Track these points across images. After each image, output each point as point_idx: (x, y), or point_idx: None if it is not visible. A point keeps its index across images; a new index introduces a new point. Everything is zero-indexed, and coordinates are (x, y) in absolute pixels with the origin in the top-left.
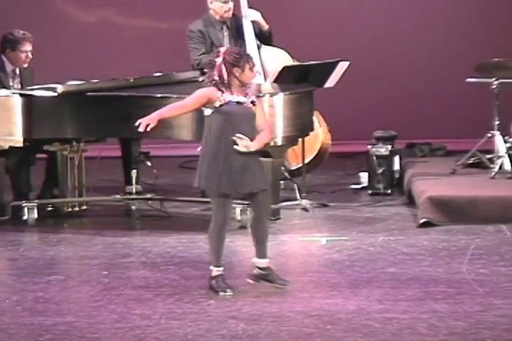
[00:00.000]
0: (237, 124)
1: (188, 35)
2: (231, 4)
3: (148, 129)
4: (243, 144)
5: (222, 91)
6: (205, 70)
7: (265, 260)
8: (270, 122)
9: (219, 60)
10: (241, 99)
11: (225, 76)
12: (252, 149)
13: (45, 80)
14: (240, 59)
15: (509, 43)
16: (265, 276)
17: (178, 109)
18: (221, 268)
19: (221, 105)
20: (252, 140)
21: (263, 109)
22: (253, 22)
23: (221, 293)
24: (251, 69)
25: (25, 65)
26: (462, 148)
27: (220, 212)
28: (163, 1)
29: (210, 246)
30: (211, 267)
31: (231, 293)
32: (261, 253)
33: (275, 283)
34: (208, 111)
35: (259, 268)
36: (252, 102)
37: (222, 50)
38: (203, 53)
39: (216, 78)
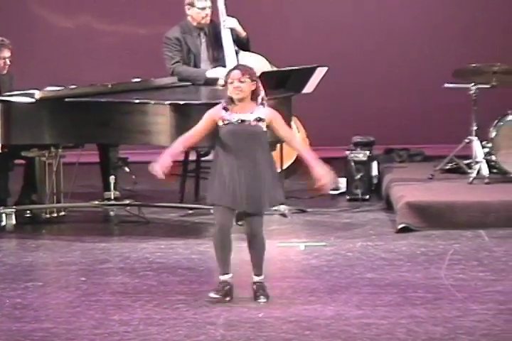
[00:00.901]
0: (238, 143)
1: (165, 42)
2: (208, 10)
3: (165, 173)
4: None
5: (227, 110)
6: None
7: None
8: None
9: None
10: (244, 116)
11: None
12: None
13: (23, 86)
14: (225, 76)
15: (487, 49)
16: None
17: (188, 139)
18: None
19: (224, 125)
20: (261, 157)
21: (283, 123)
22: (231, 29)
23: (211, 294)
24: (229, 83)
25: (4, 72)
26: (440, 153)
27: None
28: (141, 7)
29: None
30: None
31: (216, 296)
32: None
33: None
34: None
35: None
36: (259, 119)
37: None
38: (177, 62)
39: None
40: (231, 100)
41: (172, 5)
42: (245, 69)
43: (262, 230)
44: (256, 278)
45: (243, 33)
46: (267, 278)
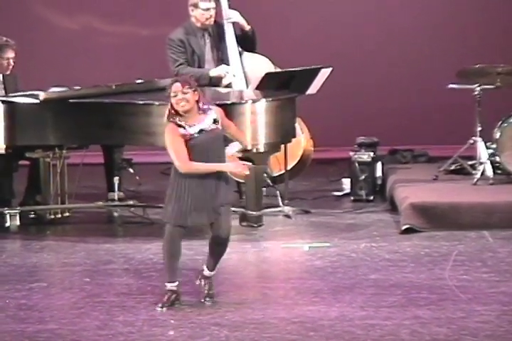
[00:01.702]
0: (207, 154)
1: (168, 43)
2: (212, 12)
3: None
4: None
5: (180, 126)
6: None
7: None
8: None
9: None
10: (201, 126)
11: (173, 110)
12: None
13: (27, 87)
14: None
15: (491, 50)
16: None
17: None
18: (175, 284)
19: (187, 140)
20: (222, 158)
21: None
22: (234, 23)
23: (158, 307)
24: (172, 96)
25: (8, 72)
26: (444, 154)
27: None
28: (145, 8)
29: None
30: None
31: (163, 309)
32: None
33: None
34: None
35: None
36: (214, 121)
37: None
38: (181, 64)
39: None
40: (177, 114)
41: (175, 6)
42: (185, 80)
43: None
44: (209, 273)
45: (247, 27)
46: (265, 276)
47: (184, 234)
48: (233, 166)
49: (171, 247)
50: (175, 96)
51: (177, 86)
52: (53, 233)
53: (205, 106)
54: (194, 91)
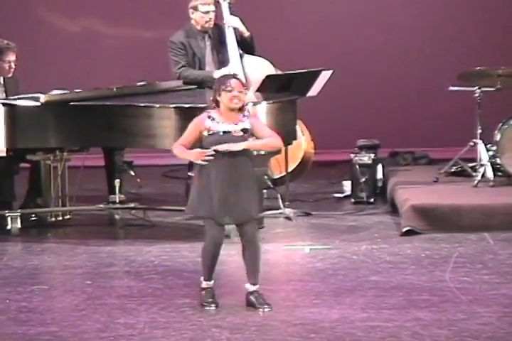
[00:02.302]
0: (222, 154)
1: (170, 46)
2: (212, 14)
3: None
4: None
5: (212, 119)
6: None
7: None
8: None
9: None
10: (229, 127)
11: (216, 102)
12: (239, 148)
13: (28, 89)
14: (219, 82)
15: (491, 52)
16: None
17: (177, 149)
18: (212, 282)
19: (209, 135)
20: (244, 171)
21: (263, 125)
22: (234, 29)
23: (206, 307)
24: (227, 90)
25: (10, 75)
26: (445, 156)
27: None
28: (146, 11)
29: (202, 261)
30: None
31: (214, 308)
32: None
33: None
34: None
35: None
36: (244, 130)
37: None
38: (183, 66)
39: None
40: (217, 107)
41: (176, 8)
42: (241, 80)
43: (257, 236)
44: (252, 288)
45: (247, 33)
46: (266, 278)
47: (189, 236)
48: (193, 155)
49: (207, 243)
50: (230, 91)
51: (237, 82)
52: (54, 235)
53: (246, 113)
54: (246, 94)
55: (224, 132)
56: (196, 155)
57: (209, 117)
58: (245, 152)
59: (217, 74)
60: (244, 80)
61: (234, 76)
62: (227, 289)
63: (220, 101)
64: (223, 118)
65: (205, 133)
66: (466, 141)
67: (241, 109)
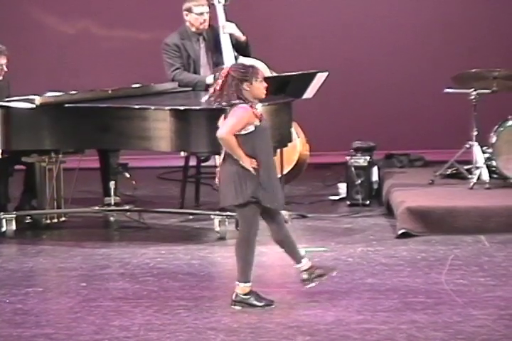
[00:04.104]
0: (268, 139)
1: (164, 48)
2: (206, 16)
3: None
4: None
5: (252, 107)
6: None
7: (303, 263)
8: None
9: (229, 79)
10: (261, 112)
11: (239, 92)
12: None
13: (23, 92)
14: (249, 73)
15: (487, 54)
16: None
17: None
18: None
19: (260, 122)
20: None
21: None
22: (230, 34)
23: (267, 307)
24: (259, 81)
25: (0, 78)
26: (440, 158)
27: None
28: (141, 12)
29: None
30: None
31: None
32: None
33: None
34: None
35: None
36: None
37: (227, 67)
38: (177, 68)
39: (236, 95)
40: (246, 100)
41: (171, 10)
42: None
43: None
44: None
45: (242, 38)
46: (261, 281)
47: (185, 238)
48: (249, 162)
49: (253, 232)
50: (261, 81)
51: (263, 74)
52: (49, 237)
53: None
54: None
55: (261, 115)
56: (249, 162)
57: (251, 107)
58: None
59: (210, 79)
60: None
61: (254, 67)
62: (221, 291)
63: (246, 91)
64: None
65: (257, 123)
66: (461, 143)
67: None
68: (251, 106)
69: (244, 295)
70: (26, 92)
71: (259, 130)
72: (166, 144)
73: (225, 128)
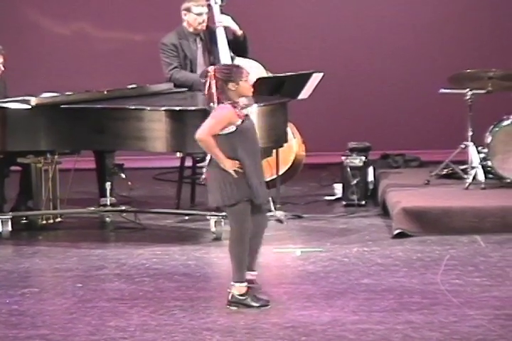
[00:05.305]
0: (252, 139)
1: (161, 48)
2: (205, 16)
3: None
4: None
5: (235, 107)
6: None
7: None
8: None
9: (213, 80)
10: (247, 111)
11: (225, 93)
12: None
13: (19, 92)
14: (232, 73)
15: (482, 54)
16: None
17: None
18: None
19: (242, 122)
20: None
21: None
22: (226, 28)
23: (263, 308)
24: (244, 80)
25: None
26: (436, 159)
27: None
28: (137, 13)
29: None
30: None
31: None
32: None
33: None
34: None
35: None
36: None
37: (212, 69)
38: (175, 67)
39: (218, 96)
40: (231, 100)
41: (168, 10)
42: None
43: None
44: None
45: (239, 32)
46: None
47: (180, 239)
48: (230, 164)
49: (245, 230)
50: (246, 81)
51: (247, 72)
52: (45, 238)
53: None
54: None
55: (246, 116)
56: (230, 164)
57: (234, 107)
58: None
59: None
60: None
61: (238, 66)
62: (217, 292)
63: (232, 91)
64: (239, 105)
65: (239, 122)
66: (457, 143)
67: None
68: (234, 106)
69: (241, 295)
70: (22, 93)
71: (241, 130)
72: (161, 145)
73: (203, 129)
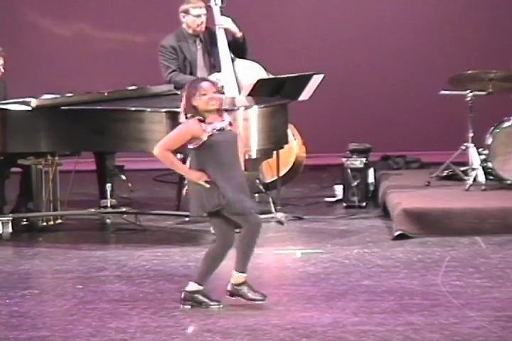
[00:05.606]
0: (223, 153)
1: (160, 50)
2: (204, 17)
3: None
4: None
5: (203, 122)
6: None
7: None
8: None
9: (184, 94)
10: (221, 124)
11: (193, 108)
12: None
13: (19, 94)
14: (190, 88)
15: (483, 56)
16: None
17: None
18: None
19: (208, 136)
20: (238, 161)
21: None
22: (226, 30)
23: (215, 307)
24: (202, 94)
25: None
26: (437, 160)
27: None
28: (137, 15)
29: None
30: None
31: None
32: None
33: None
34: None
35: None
36: (230, 123)
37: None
38: (174, 70)
39: (184, 111)
40: (197, 113)
41: (168, 12)
42: (213, 82)
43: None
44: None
45: (239, 33)
46: (257, 283)
47: (181, 240)
48: (196, 176)
49: (225, 246)
50: (204, 95)
51: (209, 85)
52: (46, 240)
53: (223, 110)
54: (221, 93)
55: (219, 130)
56: (197, 176)
57: (200, 121)
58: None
59: None
60: (236, 84)
61: (203, 79)
62: (217, 293)
63: (197, 107)
64: (209, 119)
65: (204, 138)
66: (457, 144)
67: (220, 110)
68: (202, 121)
69: (193, 292)
70: (23, 94)
71: (210, 144)
72: None
73: (159, 144)
